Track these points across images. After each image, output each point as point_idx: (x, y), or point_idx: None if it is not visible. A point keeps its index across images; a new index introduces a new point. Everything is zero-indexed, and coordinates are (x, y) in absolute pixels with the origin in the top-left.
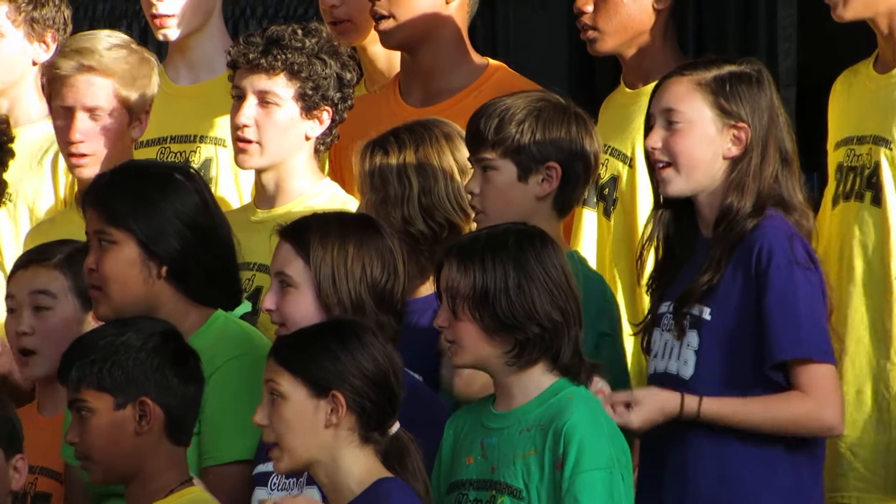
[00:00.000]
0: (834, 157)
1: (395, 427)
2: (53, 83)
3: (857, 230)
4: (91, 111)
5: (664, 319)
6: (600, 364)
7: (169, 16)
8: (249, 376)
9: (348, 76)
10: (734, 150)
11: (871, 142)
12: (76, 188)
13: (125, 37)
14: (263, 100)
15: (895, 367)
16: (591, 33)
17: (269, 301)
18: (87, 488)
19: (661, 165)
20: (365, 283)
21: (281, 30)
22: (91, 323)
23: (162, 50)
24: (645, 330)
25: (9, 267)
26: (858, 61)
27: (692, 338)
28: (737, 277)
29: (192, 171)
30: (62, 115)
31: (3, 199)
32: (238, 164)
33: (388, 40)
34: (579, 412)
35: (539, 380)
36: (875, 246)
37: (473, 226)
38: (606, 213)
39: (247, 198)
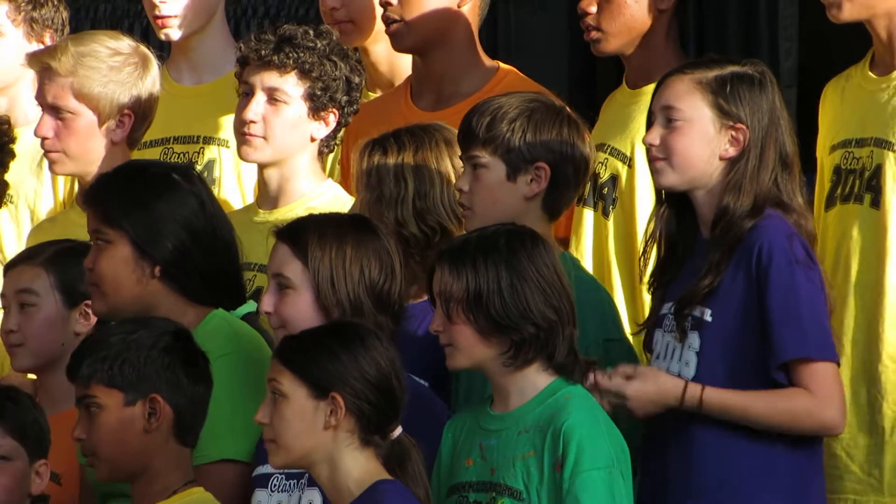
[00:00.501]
0: (829, 160)
1: (397, 431)
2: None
3: (855, 232)
4: (53, 109)
5: (666, 320)
6: (595, 361)
7: (172, 16)
8: (237, 375)
9: (357, 80)
10: (731, 151)
11: (873, 144)
12: (75, 188)
13: (121, 39)
14: (272, 97)
15: (887, 370)
16: (594, 34)
17: (266, 303)
18: (93, 486)
19: (655, 159)
20: (363, 284)
21: (293, 29)
22: (77, 320)
23: (164, 51)
24: (646, 330)
25: None
26: (860, 61)
27: (693, 339)
28: (737, 278)
29: (191, 171)
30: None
31: (5, 201)
32: (241, 156)
33: (398, 44)
34: (577, 412)
35: (535, 380)
36: (871, 248)
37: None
38: (605, 213)
39: (250, 198)
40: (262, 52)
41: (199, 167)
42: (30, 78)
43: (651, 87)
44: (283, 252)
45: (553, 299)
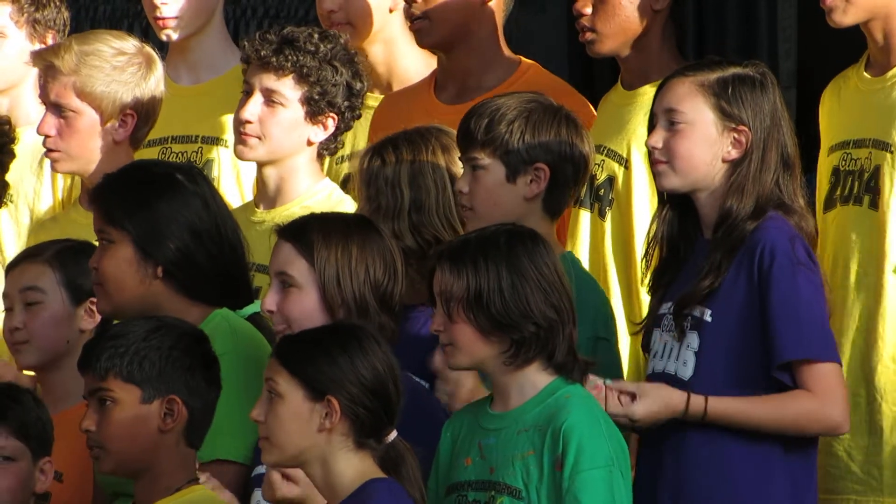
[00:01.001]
0: (828, 162)
1: (392, 435)
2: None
3: (853, 233)
4: (56, 107)
5: (664, 320)
6: (594, 361)
7: (172, 17)
8: (235, 375)
9: (358, 86)
10: (734, 153)
11: (871, 145)
12: (75, 188)
13: (126, 40)
14: (269, 98)
15: (887, 370)
16: (589, 35)
17: (269, 302)
18: (102, 485)
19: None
20: (368, 283)
21: (297, 31)
22: (82, 317)
23: (162, 51)
24: (645, 329)
25: None
26: (858, 62)
27: (692, 339)
28: (739, 279)
29: (195, 171)
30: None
31: (5, 200)
32: (237, 154)
33: (422, 40)
34: (577, 411)
35: (535, 379)
36: (870, 249)
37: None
38: (601, 214)
39: (249, 198)
40: (262, 53)
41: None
42: (32, 78)
43: (647, 88)
44: (287, 251)
45: (553, 298)
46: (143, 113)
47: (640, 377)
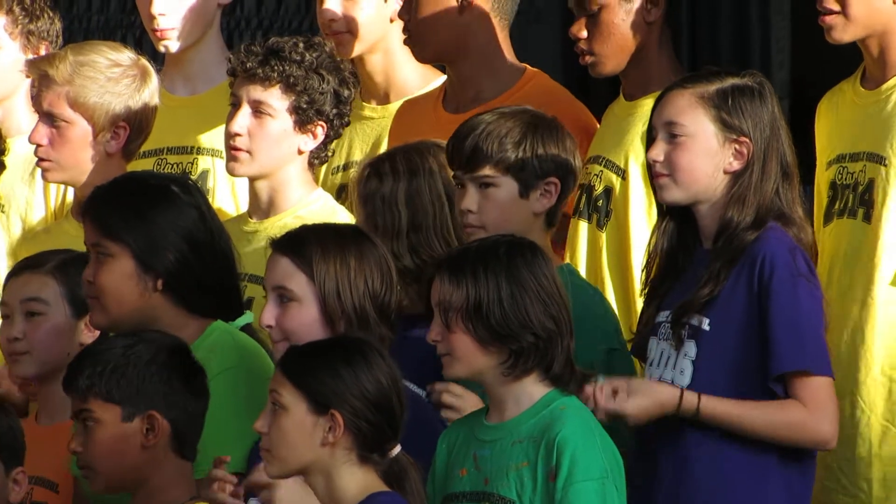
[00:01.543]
0: (826, 176)
1: (396, 450)
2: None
3: (847, 246)
4: (48, 117)
5: (661, 329)
6: (591, 373)
7: (170, 29)
8: (242, 388)
9: (346, 93)
10: (736, 165)
11: (865, 159)
12: (68, 199)
13: (122, 51)
14: (257, 110)
15: (875, 384)
16: (588, 58)
17: (267, 316)
18: (90, 499)
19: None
20: (368, 295)
21: (282, 41)
22: (82, 330)
23: (158, 61)
24: (639, 337)
25: (2, 277)
26: (852, 73)
27: (689, 348)
28: (737, 288)
29: (189, 182)
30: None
31: None
32: (228, 171)
33: (416, 56)
34: (571, 423)
35: (531, 391)
36: (862, 262)
37: None
38: (599, 225)
39: (244, 209)
40: (248, 65)
41: (192, 178)
42: (25, 89)
43: (647, 99)
44: (284, 265)
45: (552, 309)
46: (136, 125)
47: None
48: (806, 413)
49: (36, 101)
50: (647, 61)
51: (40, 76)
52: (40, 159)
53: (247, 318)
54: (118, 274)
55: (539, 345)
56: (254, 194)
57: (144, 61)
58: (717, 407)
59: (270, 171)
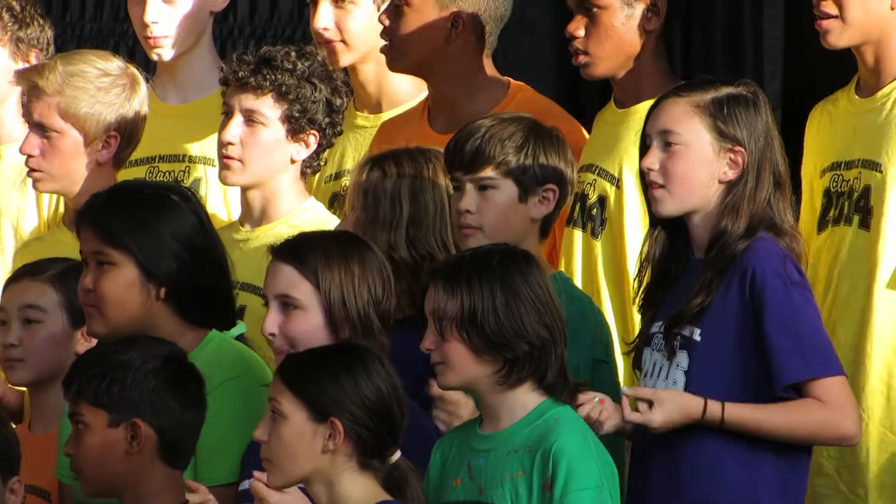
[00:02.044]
0: (820, 184)
1: (396, 456)
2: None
3: (844, 253)
4: (39, 127)
5: (655, 339)
6: (583, 382)
7: (163, 37)
8: (245, 398)
9: (338, 102)
10: (731, 174)
11: (860, 166)
12: (61, 208)
13: (111, 60)
14: (250, 119)
15: (874, 391)
16: (582, 58)
17: (270, 325)
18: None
19: (654, 185)
20: (371, 302)
21: (274, 50)
22: (79, 340)
23: (149, 69)
24: (636, 349)
25: None
26: (845, 84)
27: (682, 358)
28: (728, 298)
29: (187, 191)
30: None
31: None
32: (221, 180)
33: (389, 65)
34: (566, 433)
35: (525, 400)
36: (860, 269)
37: None
38: (594, 234)
39: (236, 217)
40: (240, 74)
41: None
42: (15, 96)
43: (639, 107)
44: (287, 273)
45: (547, 318)
46: (127, 134)
47: None
48: (827, 412)
49: (26, 111)
50: (641, 69)
51: (30, 87)
52: (32, 170)
53: (239, 328)
54: (121, 282)
55: (533, 353)
56: (246, 203)
57: (133, 69)
58: (741, 413)
59: (263, 180)
